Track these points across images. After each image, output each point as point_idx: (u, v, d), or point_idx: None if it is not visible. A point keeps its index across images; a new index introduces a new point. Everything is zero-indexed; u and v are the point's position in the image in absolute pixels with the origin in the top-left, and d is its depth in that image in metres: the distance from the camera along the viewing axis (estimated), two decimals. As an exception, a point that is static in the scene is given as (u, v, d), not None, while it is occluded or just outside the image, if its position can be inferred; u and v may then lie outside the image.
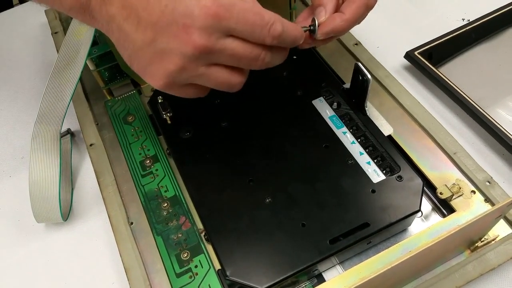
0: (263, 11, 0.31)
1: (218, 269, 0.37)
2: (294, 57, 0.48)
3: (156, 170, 0.44)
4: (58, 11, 0.34)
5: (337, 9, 0.36)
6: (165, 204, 0.42)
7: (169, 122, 0.44)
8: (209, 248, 0.39)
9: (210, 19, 0.29)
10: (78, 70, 0.45)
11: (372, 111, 0.45)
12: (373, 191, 0.38)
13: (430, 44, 0.52)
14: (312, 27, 0.35)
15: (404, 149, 0.43)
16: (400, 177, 0.38)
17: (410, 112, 0.46)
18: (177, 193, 0.42)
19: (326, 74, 0.47)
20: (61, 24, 0.58)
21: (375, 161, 0.40)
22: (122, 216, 0.41)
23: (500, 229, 0.38)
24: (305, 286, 0.37)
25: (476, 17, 0.54)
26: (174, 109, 0.43)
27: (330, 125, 0.43)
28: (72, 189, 0.46)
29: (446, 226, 0.38)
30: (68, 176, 0.46)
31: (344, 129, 0.42)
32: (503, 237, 0.37)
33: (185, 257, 0.38)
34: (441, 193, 0.39)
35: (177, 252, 0.39)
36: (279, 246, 0.36)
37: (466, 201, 0.40)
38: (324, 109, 0.44)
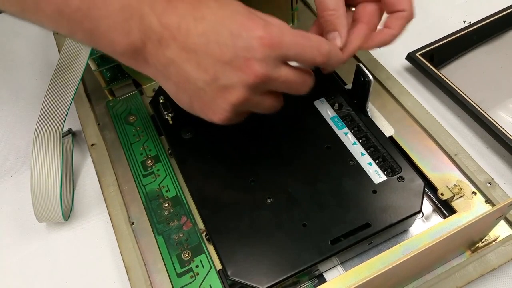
0: (309, 33, 0.34)
1: (219, 269, 0.38)
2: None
3: (158, 170, 0.44)
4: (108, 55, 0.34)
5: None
6: (167, 204, 0.42)
7: (170, 122, 0.44)
8: (210, 248, 0.39)
9: (268, 49, 0.31)
10: (80, 70, 0.45)
11: (374, 112, 0.45)
12: (374, 192, 0.38)
13: (432, 45, 0.52)
14: None
15: (406, 150, 0.43)
16: (401, 178, 0.38)
17: (412, 113, 0.46)
18: (179, 193, 0.42)
19: (328, 75, 0.47)
20: (63, 24, 0.58)
21: (377, 162, 0.40)
22: (123, 216, 0.41)
23: (500, 230, 0.38)
24: (306, 286, 0.37)
25: (477, 19, 0.54)
26: (175, 109, 0.43)
27: (332, 126, 0.43)
28: (74, 189, 0.46)
29: (447, 227, 0.38)
30: (69, 176, 0.46)
31: (346, 130, 0.42)
32: (504, 238, 0.37)
33: (186, 257, 0.38)
34: (442, 194, 0.39)
35: (178, 252, 0.39)
36: (280, 246, 0.36)
37: (467, 202, 0.40)
38: (326, 110, 0.44)
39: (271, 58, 0.32)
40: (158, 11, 0.31)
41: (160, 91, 0.46)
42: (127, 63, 0.34)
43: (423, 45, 0.52)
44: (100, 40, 0.32)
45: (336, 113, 0.44)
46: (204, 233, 0.39)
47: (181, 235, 0.40)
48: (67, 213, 0.44)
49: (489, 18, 0.54)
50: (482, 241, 0.37)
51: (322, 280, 0.38)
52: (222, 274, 0.37)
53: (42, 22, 0.32)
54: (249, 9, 0.33)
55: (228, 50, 0.31)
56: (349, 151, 0.41)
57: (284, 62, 0.33)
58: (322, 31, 0.39)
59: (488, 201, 0.40)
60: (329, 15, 0.37)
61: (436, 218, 0.40)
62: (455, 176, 0.41)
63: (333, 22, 0.37)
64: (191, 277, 0.37)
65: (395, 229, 0.37)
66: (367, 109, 0.43)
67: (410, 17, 0.38)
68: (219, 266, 0.37)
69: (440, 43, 0.52)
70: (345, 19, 0.38)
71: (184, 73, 0.32)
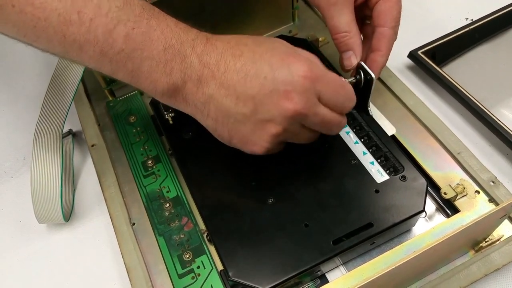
0: (345, 82, 0.35)
1: (221, 270, 0.37)
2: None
3: (158, 170, 0.44)
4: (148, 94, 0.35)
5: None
6: (167, 205, 0.41)
7: (171, 122, 0.43)
8: (212, 249, 0.38)
9: (308, 82, 0.32)
10: (79, 71, 0.45)
11: (375, 111, 0.45)
12: (377, 191, 0.38)
13: (434, 43, 0.51)
14: (358, 77, 0.39)
15: (408, 149, 0.43)
16: (404, 177, 0.38)
17: (414, 111, 0.45)
18: (179, 194, 0.42)
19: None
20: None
21: (379, 161, 0.40)
22: (124, 217, 0.41)
23: (504, 229, 0.38)
24: (308, 287, 0.37)
25: (480, 17, 0.54)
26: (176, 109, 0.43)
27: (333, 125, 0.42)
28: (74, 190, 0.46)
29: (450, 226, 0.38)
30: (70, 177, 0.46)
31: (347, 129, 0.42)
32: (508, 237, 0.37)
33: (187, 257, 0.38)
34: (445, 193, 0.39)
35: (179, 253, 0.39)
36: (282, 246, 0.35)
37: (470, 201, 0.39)
38: (327, 109, 0.44)
39: (310, 92, 0.32)
40: (198, 50, 0.32)
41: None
42: (166, 101, 0.35)
43: (425, 43, 0.52)
44: (141, 80, 0.33)
45: (338, 112, 0.43)
46: (205, 234, 0.39)
47: (182, 236, 0.39)
48: (68, 214, 0.44)
49: (491, 16, 0.54)
50: (486, 240, 0.37)
51: (324, 280, 0.37)
52: (224, 275, 0.37)
53: (84, 62, 0.32)
54: (288, 45, 0.34)
55: (268, 83, 0.32)
56: (351, 150, 0.41)
57: (322, 102, 0.34)
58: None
59: (491, 200, 0.39)
60: (342, 36, 0.38)
61: (439, 218, 0.40)
62: (458, 175, 0.41)
63: (346, 43, 0.39)
64: (193, 278, 0.37)
65: (398, 228, 0.37)
66: (369, 108, 0.42)
67: (392, 32, 0.39)
68: (220, 267, 0.37)
69: (442, 41, 0.52)
70: (359, 38, 0.39)
71: (224, 108, 0.33)
